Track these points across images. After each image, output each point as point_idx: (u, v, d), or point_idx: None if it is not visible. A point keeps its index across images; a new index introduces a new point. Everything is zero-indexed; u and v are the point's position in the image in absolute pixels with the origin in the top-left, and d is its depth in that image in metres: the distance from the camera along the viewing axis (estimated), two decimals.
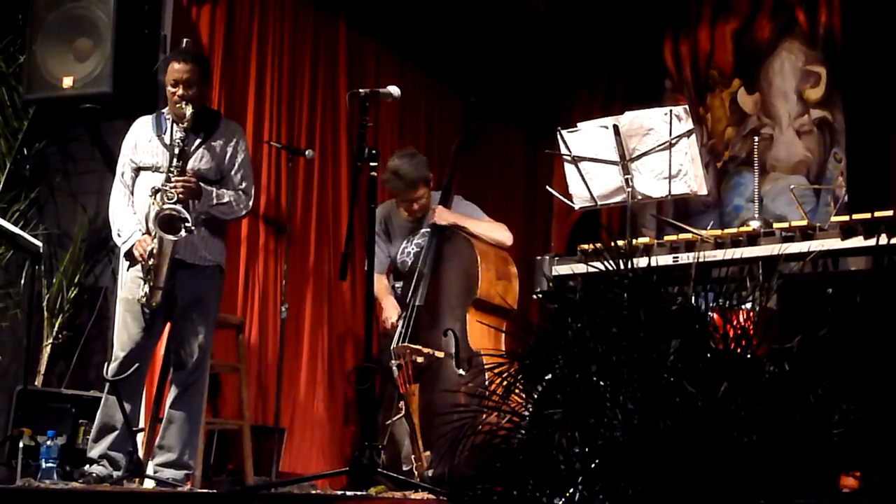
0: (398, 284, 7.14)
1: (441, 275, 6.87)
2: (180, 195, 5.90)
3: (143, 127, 6.25)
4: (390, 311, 7.03)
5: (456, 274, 6.82)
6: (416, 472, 6.31)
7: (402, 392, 6.54)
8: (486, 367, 6.37)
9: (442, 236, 6.91)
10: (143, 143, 6.18)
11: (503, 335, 6.54)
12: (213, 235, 6.17)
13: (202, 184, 6.05)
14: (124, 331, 6.03)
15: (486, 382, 6.09)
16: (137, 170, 6.16)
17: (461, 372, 6.55)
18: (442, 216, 6.91)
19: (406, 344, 6.67)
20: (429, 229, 6.98)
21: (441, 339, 6.70)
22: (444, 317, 6.78)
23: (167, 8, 7.36)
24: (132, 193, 6.16)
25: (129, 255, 6.05)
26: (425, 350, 6.61)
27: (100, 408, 6.02)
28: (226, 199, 6.16)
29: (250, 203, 6.31)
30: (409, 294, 6.85)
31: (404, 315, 6.83)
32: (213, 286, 6.20)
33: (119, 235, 6.11)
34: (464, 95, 9.39)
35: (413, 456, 6.44)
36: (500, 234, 7.02)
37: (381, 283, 7.18)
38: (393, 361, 6.70)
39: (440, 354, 6.62)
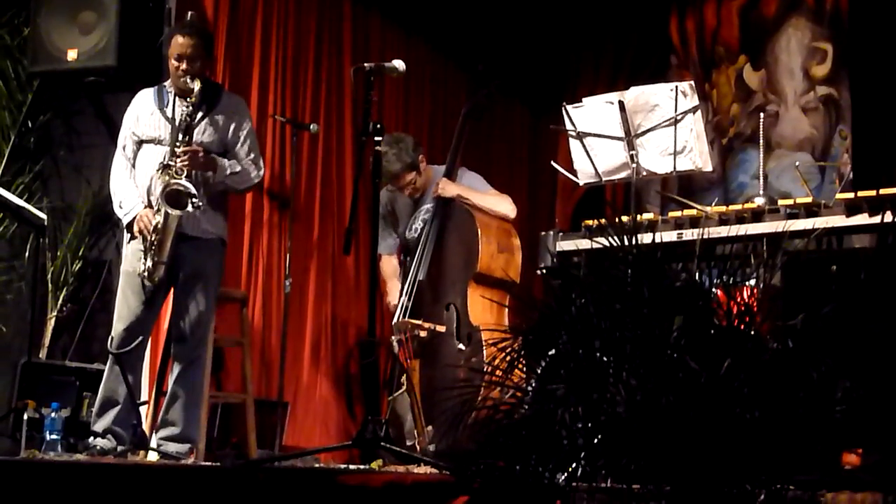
0: (409, 260, 7.12)
1: (443, 248, 6.83)
2: (187, 169, 5.91)
3: (144, 100, 6.24)
4: (393, 295, 7.02)
5: (457, 247, 6.78)
6: (417, 447, 6.32)
7: (405, 367, 6.53)
8: (486, 341, 6.36)
9: (445, 209, 6.87)
10: (145, 116, 6.18)
11: (505, 309, 6.50)
12: (214, 209, 6.18)
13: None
14: (124, 304, 6.05)
15: (487, 357, 6.09)
16: (139, 143, 6.16)
17: (461, 347, 6.54)
18: (446, 189, 6.85)
19: (407, 319, 6.66)
20: (433, 203, 6.95)
21: (443, 313, 6.69)
22: (445, 291, 6.75)
23: None
24: (133, 166, 6.17)
25: (131, 227, 6.06)
26: (426, 325, 6.59)
27: (102, 381, 6.04)
28: (238, 169, 6.18)
29: (261, 172, 6.34)
30: (412, 268, 6.82)
31: (406, 289, 6.80)
32: (214, 259, 6.21)
33: (121, 207, 6.11)
34: (468, 70, 9.40)
35: (415, 431, 6.44)
36: (504, 206, 6.94)
37: (388, 266, 7.18)
38: (394, 337, 6.69)
39: (441, 329, 6.60)
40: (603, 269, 3.39)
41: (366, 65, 5.72)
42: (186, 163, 5.92)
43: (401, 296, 6.84)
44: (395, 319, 6.75)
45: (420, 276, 6.76)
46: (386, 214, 7.13)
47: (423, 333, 6.58)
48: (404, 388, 6.59)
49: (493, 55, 8.42)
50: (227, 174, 6.13)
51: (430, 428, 6.34)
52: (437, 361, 6.56)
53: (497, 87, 7.26)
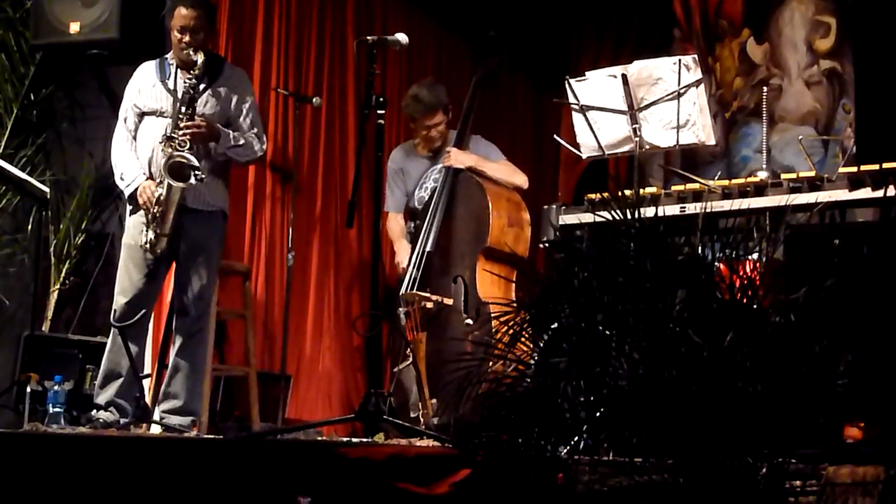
0: (416, 225, 7.09)
1: (452, 220, 6.81)
2: (190, 141, 5.91)
3: (146, 72, 6.25)
4: (402, 255, 7.01)
5: (467, 220, 6.77)
6: (422, 420, 6.33)
7: (410, 339, 6.52)
8: (493, 315, 6.35)
9: (455, 179, 6.86)
10: (146, 88, 6.18)
11: (513, 284, 6.49)
12: (216, 181, 6.19)
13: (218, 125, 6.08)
14: (126, 277, 6.06)
15: (494, 331, 6.07)
16: (141, 115, 6.16)
17: (469, 321, 6.54)
18: (458, 159, 6.85)
19: (415, 291, 6.65)
20: (444, 167, 6.94)
21: (451, 285, 6.68)
22: (454, 263, 6.73)
23: None
24: (135, 139, 6.17)
25: (133, 199, 6.06)
26: (434, 297, 6.58)
27: (105, 354, 6.06)
28: (242, 141, 6.18)
29: (264, 146, 6.34)
30: (420, 239, 6.81)
31: (414, 260, 6.79)
32: (216, 232, 6.22)
33: (122, 179, 6.11)
34: (471, 42, 9.38)
35: (420, 403, 6.45)
36: (517, 177, 6.96)
37: (396, 226, 7.18)
38: (401, 308, 6.68)
39: (449, 302, 6.59)
40: (605, 243, 3.40)
41: (368, 38, 5.70)
42: (189, 135, 5.92)
43: (409, 265, 6.82)
44: (402, 290, 6.74)
45: (428, 247, 6.75)
46: (397, 171, 7.15)
47: (429, 305, 6.57)
48: (410, 360, 6.58)
49: (496, 28, 8.40)
50: (231, 145, 6.13)
51: (434, 400, 6.34)
52: (443, 334, 6.55)
53: (508, 55, 7.26)
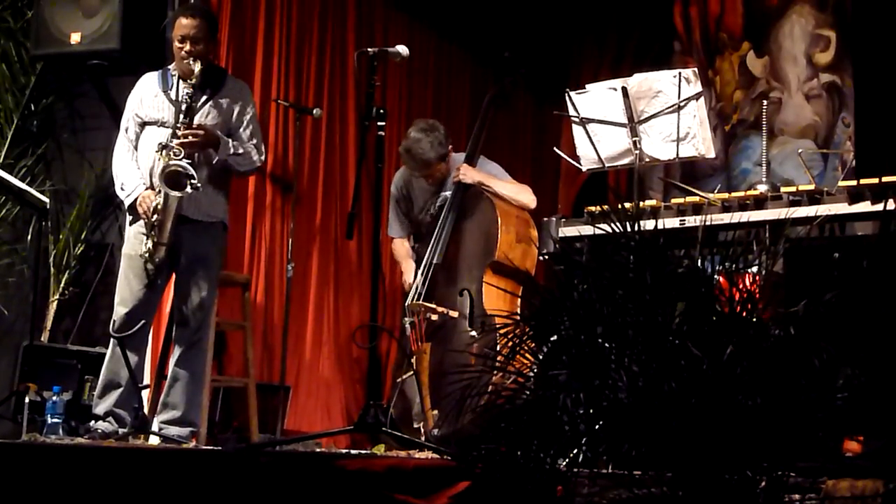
0: (419, 245, 7.07)
1: (461, 233, 6.79)
2: (187, 150, 5.91)
3: (148, 83, 6.25)
4: (409, 275, 7.00)
5: (475, 234, 6.75)
6: (423, 431, 6.32)
7: (414, 350, 6.51)
8: (496, 326, 6.31)
9: (465, 194, 6.83)
10: (148, 98, 6.19)
11: (518, 299, 6.47)
12: (217, 192, 6.19)
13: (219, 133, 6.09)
14: (126, 287, 6.06)
15: (497, 345, 6.07)
16: (142, 125, 6.17)
17: (473, 333, 6.52)
18: (467, 174, 6.82)
19: (420, 302, 6.64)
20: (450, 192, 6.91)
21: (456, 298, 6.67)
22: (460, 276, 6.71)
23: None
24: (136, 148, 6.17)
25: (133, 209, 6.07)
26: (440, 309, 6.57)
27: (104, 364, 6.05)
28: (241, 151, 6.18)
29: (262, 157, 6.35)
30: (428, 251, 6.80)
31: (421, 272, 6.77)
32: (216, 243, 6.22)
33: (122, 189, 6.12)
34: (473, 55, 9.39)
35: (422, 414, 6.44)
36: (525, 195, 6.93)
37: (402, 248, 7.17)
38: (406, 318, 6.66)
39: (454, 314, 6.58)
40: (605, 255, 3.40)
41: (369, 49, 5.70)
42: (185, 144, 5.92)
43: (415, 277, 6.81)
44: (408, 301, 6.73)
45: (436, 259, 6.73)
46: (400, 198, 7.12)
47: (434, 317, 6.55)
48: (413, 370, 6.57)
49: (497, 41, 8.41)
50: (231, 153, 6.13)
51: (435, 412, 6.33)
52: (447, 346, 6.54)
53: (523, 75, 7.25)
